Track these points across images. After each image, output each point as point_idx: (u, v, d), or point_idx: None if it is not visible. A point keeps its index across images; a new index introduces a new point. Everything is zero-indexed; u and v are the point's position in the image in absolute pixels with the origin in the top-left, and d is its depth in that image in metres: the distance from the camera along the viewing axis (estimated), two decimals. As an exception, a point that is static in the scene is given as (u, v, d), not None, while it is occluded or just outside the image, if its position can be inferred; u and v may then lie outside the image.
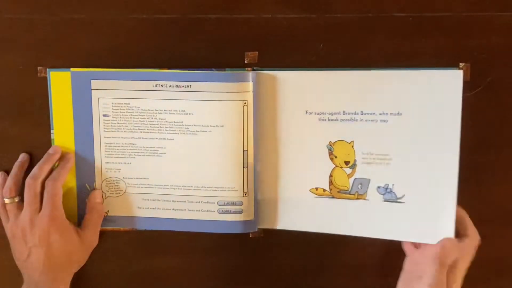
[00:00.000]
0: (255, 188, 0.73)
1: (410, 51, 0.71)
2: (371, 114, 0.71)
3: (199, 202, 0.74)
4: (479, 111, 0.72)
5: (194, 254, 0.77)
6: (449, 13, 0.71)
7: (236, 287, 0.78)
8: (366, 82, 0.70)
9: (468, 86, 0.72)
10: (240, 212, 0.73)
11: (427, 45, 0.71)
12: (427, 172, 0.70)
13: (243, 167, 0.72)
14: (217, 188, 0.73)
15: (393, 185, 0.71)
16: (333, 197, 0.73)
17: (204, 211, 0.74)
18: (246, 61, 0.72)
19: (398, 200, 0.71)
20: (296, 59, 0.72)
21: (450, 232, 0.70)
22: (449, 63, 0.71)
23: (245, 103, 0.71)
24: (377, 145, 0.71)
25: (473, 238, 0.70)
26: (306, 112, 0.72)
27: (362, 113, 0.71)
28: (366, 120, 0.71)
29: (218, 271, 0.77)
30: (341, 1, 0.71)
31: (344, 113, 0.72)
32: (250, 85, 0.71)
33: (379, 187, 0.72)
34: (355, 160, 0.72)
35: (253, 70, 0.72)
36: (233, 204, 0.73)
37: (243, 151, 0.72)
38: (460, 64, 0.71)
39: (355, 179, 0.73)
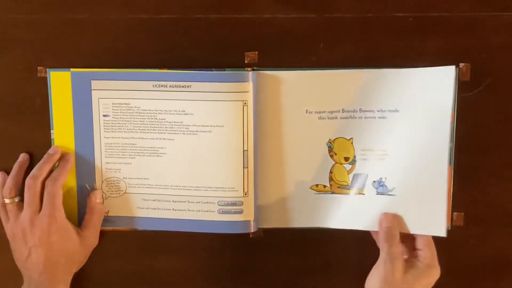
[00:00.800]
0: (255, 188, 0.73)
1: (410, 51, 0.71)
2: (369, 111, 0.71)
3: (199, 202, 0.74)
4: (479, 111, 0.72)
5: (194, 254, 0.77)
6: (449, 13, 0.71)
7: (236, 287, 0.78)
8: (365, 81, 0.71)
9: (468, 86, 0.72)
10: (240, 212, 0.73)
11: (427, 45, 0.71)
12: (418, 165, 0.71)
13: (243, 167, 0.72)
14: (217, 188, 0.73)
15: (386, 178, 0.72)
16: (333, 192, 0.73)
17: (204, 211, 0.74)
18: (246, 61, 0.72)
19: (389, 193, 0.72)
20: (296, 59, 0.72)
21: (442, 225, 0.70)
22: (449, 63, 0.71)
23: (245, 103, 0.71)
24: (376, 141, 0.72)
25: (437, 269, 0.69)
26: (306, 112, 0.72)
27: (361, 110, 0.71)
28: (365, 118, 0.71)
29: (218, 271, 0.77)
30: (341, 1, 0.71)
31: (343, 111, 0.72)
32: (250, 85, 0.71)
33: (374, 181, 0.72)
34: (354, 156, 0.73)
35: (253, 70, 0.71)
36: (233, 204, 0.73)
37: (243, 151, 0.72)
38: (460, 64, 0.71)
39: (354, 174, 0.73)
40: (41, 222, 0.69)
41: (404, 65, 0.71)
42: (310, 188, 0.74)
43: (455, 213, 0.74)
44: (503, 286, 0.77)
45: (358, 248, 0.76)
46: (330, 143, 0.73)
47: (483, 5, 0.71)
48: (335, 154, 0.73)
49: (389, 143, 0.72)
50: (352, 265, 0.76)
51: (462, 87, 0.71)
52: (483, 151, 0.73)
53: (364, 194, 0.73)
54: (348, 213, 0.73)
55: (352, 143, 0.72)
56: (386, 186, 0.72)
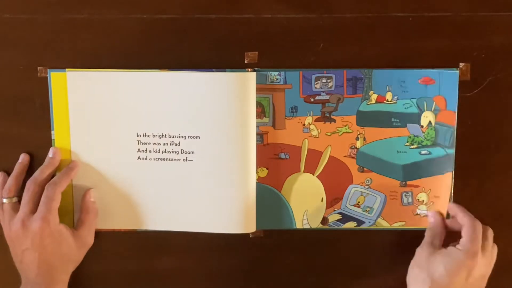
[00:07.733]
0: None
1: (410, 51, 0.72)
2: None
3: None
4: (479, 111, 0.73)
5: (194, 254, 0.77)
6: (449, 13, 0.71)
7: (236, 287, 0.78)
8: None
9: (468, 86, 0.72)
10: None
11: (427, 45, 0.71)
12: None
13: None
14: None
15: None
16: None
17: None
18: (246, 61, 0.72)
19: None
20: (296, 59, 0.72)
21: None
22: (449, 63, 0.71)
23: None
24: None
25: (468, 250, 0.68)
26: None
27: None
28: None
29: (218, 271, 0.77)
30: (341, 1, 0.71)
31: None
32: None
33: None
34: None
35: (254, 70, 0.71)
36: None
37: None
38: (460, 64, 0.71)
39: None
40: (33, 225, 0.68)
41: (404, 66, 0.71)
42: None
43: (455, 213, 0.74)
44: (503, 286, 0.77)
45: (359, 248, 0.76)
46: None
47: (483, 5, 0.71)
48: None
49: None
50: (352, 265, 0.76)
51: (462, 87, 0.71)
52: (483, 151, 0.74)
53: None
54: None
55: None
56: None
